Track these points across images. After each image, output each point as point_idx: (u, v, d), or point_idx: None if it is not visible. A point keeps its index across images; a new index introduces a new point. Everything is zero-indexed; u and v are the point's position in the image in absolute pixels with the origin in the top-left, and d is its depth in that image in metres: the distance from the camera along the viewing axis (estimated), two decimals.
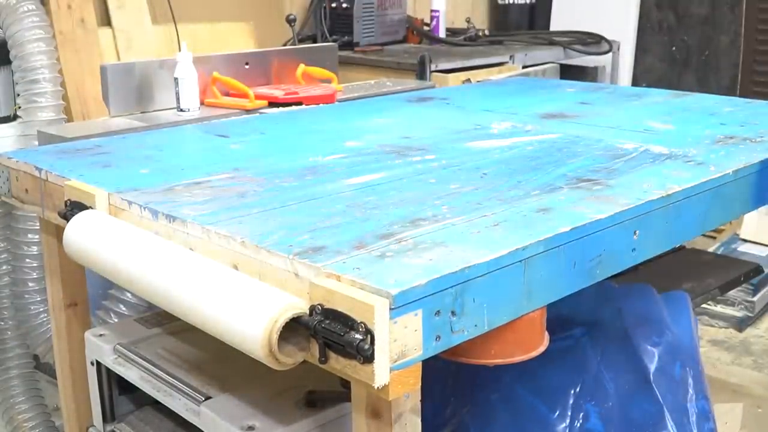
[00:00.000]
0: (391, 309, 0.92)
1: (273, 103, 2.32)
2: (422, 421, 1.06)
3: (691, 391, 1.79)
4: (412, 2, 3.91)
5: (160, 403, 1.46)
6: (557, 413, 1.72)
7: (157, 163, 1.57)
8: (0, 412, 2.47)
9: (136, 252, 1.20)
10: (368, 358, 0.91)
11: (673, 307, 1.90)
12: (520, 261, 1.08)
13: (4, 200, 1.67)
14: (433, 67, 3.09)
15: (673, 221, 1.31)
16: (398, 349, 0.93)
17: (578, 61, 3.69)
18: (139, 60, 2.49)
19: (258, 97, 2.33)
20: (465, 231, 1.15)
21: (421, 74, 3.04)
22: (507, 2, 4.28)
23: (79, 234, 1.30)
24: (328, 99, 2.37)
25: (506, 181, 1.40)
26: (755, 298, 3.46)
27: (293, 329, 0.97)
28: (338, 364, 0.95)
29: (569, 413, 1.71)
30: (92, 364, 1.59)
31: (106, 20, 2.84)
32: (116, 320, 2.12)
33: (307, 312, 0.97)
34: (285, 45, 3.24)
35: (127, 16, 2.87)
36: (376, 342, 0.90)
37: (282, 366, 0.97)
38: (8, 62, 2.40)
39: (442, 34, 3.79)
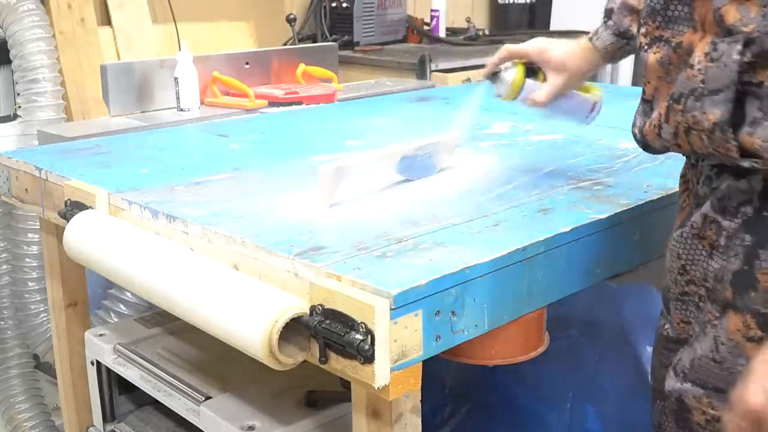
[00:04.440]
0: (391, 309, 0.92)
1: (273, 103, 2.32)
2: (422, 421, 1.06)
3: None
4: (412, 2, 3.90)
5: (160, 402, 1.46)
6: (555, 413, 1.72)
7: (157, 163, 1.57)
8: (0, 411, 2.47)
9: (136, 252, 1.20)
10: (368, 359, 0.91)
11: None
12: (520, 261, 1.08)
13: (4, 200, 1.67)
14: (433, 67, 3.08)
15: (673, 221, 1.31)
16: (398, 349, 0.93)
17: None
18: (139, 60, 2.49)
19: (258, 96, 2.33)
20: (465, 231, 1.15)
21: (421, 74, 3.04)
22: (507, 2, 4.28)
23: (79, 234, 1.30)
24: (328, 99, 2.37)
25: (506, 181, 1.40)
26: None
27: (294, 329, 0.97)
28: (338, 365, 0.95)
29: (567, 413, 1.71)
30: (92, 364, 1.59)
31: (106, 20, 2.84)
32: (116, 320, 2.12)
33: (308, 312, 0.97)
34: (285, 45, 3.24)
35: (127, 15, 2.87)
36: (377, 342, 0.90)
37: (282, 366, 0.97)
38: (8, 62, 2.41)
39: (442, 33, 3.78)
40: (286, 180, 1.43)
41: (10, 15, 2.34)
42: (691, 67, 0.93)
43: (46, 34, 2.37)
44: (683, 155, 1.07)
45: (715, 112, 0.90)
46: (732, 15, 0.89)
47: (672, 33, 0.98)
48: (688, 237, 1.03)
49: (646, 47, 1.02)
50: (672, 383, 1.05)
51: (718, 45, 0.90)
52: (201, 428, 1.35)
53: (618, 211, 1.25)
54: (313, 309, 0.96)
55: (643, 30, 1.03)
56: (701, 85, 0.91)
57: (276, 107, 2.30)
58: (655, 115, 1.01)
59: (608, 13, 1.31)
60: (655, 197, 1.30)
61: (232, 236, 1.12)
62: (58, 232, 1.53)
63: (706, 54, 0.91)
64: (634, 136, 1.07)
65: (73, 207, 1.37)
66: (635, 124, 1.07)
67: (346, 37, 3.47)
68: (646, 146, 1.06)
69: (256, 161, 1.58)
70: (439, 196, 1.33)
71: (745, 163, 0.91)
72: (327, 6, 3.52)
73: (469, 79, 3.07)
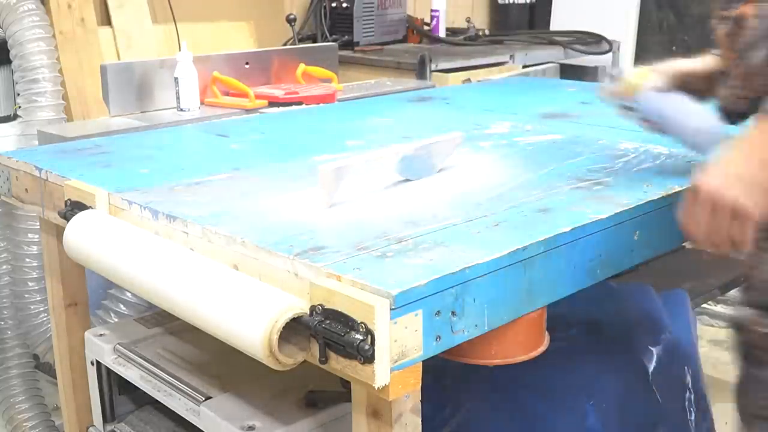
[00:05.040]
0: (391, 309, 0.92)
1: (273, 103, 2.32)
2: (422, 421, 1.06)
3: (690, 391, 1.79)
4: (412, 2, 3.90)
5: (160, 402, 1.46)
6: (555, 413, 1.72)
7: (157, 163, 1.57)
8: (0, 411, 2.47)
9: (136, 252, 1.20)
10: (368, 359, 0.91)
11: (672, 306, 1.90)
12: (520, 261, 1.08)
13: (4, 200, 1.67)
14: (433, 67, 3.09)
15: (673, 221, 1.31)
16: (398, 349, 0.93)
17: (578, 61, 3.68)
18: (139, 60, 2.49)
19: (258, 96, 2.33)
20: (465, 231, 1.15)
21: (421, 74, 3.04)
22: (507, 2, 4.28)
23: (79, 234, 1.30)
24: (328, 99, 2.37)
25: (506, 181, 1.40)
26: None
27: (293, 329, 0.97)
28: (338, 365, 0.95)
29: (567, 413, 1.71)
30: (92, 364, 1.59)
31: (106, 20, 2.84)
32: (116, 320, 2.12)
33: (308, 312, 0.97)
34: (285, 45, 3.24)
35: (127, 15, 2.87)
36: (377, 342, 0.90)
37: (282, 366, 0.97)
38: (8, 62, 2.41)
39: (442, 33, 3.78)
40: (286, 180, 1.43)
41: (10, 15, 2.34)
42: (747, 27, 1.16)
43: (46, 34, 2.37)
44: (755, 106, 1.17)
45: (762, 52, 1.12)
46: None
47: (730, 11, 1.20)
48: None
49: (716, 26, 1.24)
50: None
51: (760, 6, 1.14)
52: (201, 428, 1.35)
53: (618, 211, 1.25)
54: (313, 309, 0.96)
55: (714, 15, 1.25)
56: (753, 37, 1.14)
57: (276, 107, 2.30)
58: (729, 78, 1.20)
59: None
60: (655, 197, 1.30)
61: (232, 236, 1.12)
62: (58, 232, 1.53)
63: (755, 15, 1.14)
64: (719, 109, 1.25)
65: (73, 207, 1.37)
66: (719, 96, 1.26)
67: (346, 37, 3.47)
68: (728, 114, 1.24)
69: (256, 161, 1.58)
70: (439, 196, 1.33)
71: None
72: (327, 6, 3.52)
73: (468, 79, 3.07)
